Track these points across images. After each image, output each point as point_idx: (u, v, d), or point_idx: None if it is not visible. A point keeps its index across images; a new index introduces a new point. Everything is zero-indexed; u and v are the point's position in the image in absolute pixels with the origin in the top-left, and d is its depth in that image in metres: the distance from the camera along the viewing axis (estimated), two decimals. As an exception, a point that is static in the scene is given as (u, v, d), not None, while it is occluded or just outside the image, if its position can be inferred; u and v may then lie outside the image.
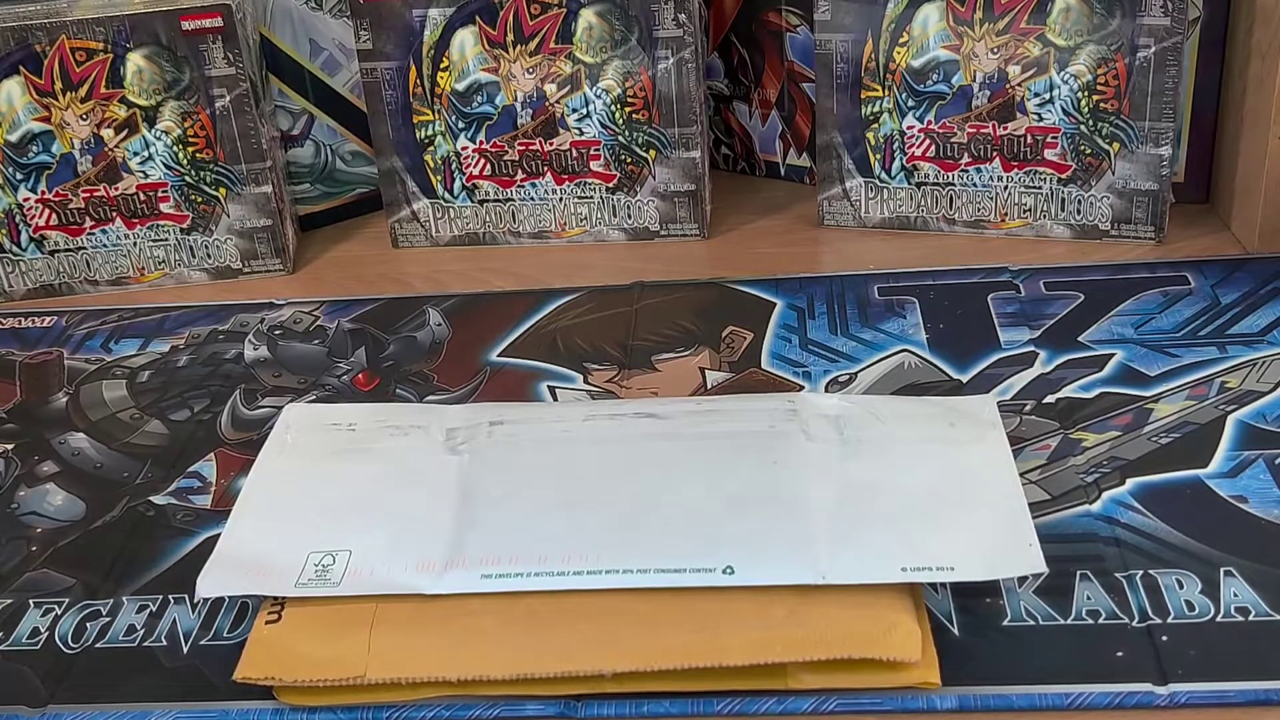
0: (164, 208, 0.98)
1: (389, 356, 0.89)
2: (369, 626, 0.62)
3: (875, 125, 0.97)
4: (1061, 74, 0.91)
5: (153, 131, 0.96)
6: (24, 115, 0.94)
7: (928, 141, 0.96)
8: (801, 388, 0.81)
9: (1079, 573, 0.64)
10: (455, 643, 0.61)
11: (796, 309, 0.90)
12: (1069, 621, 0.62)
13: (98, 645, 0.65)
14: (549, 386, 0.84)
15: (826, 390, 0.81)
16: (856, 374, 0.82)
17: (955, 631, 0.62)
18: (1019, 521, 0.64)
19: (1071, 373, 0.80)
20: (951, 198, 0.97)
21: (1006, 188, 0.96)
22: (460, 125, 0.99)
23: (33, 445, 0.82)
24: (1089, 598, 0.63)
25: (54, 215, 0.98)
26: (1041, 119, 0.93)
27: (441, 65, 0.97)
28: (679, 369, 0.85)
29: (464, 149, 1.00)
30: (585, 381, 0.84)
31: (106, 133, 0.95)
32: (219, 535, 0.68)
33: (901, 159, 0.97)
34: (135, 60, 0.94)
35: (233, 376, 0.88)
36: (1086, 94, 0.91)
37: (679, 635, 0.60)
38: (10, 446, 0.82)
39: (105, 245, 0.99)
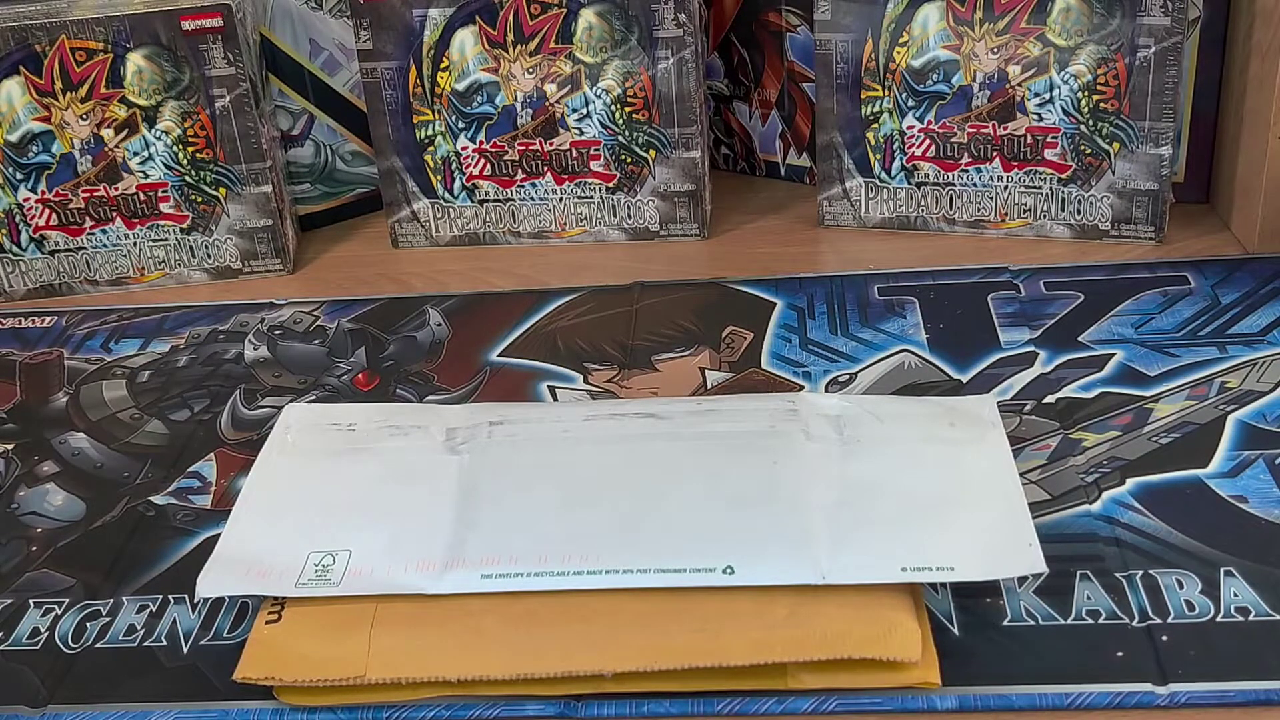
0: (164, 208, 0.98)
1: (389, 356, 0.89)
2: (369, 626, 0.62)
3: (875, 125, 0.97)
4: (1061, 74, 0.91)
5: (153, 131, 0.96)
6: (24, 115, 0.94)
7: (928, 141, 0.96)
8: (801, 388, 0.81)
9: (1079, 573, 0.64)
10: (455, 643, 0.61)
11: (796, 309, 0.90)
12: (1069, 621, 0.62)
13: (98, 645, 0.65)
14: (549, 386, 0.84)
15: (826, 390, 0.81)
16: (856, 374, 0.82)
17: (955, 631, 0.62)
18: (1019, 521, 0.64)
19: (1071, 373, 0.80)
20: (951, 198, 0.97)
21: (1006, 188, 0.96)
22: (460, 125, 0.99)
23: (33, 445, 0.82)
24: (1089, 598, 0.63)
25: (54, 215, 0.98)
26: (1041, 119, 0.93)
27: (441, 65, 0.97)
28: (679, 369, 0.85)
29: (464, 149, 1.00)
30: (585, 381, 0.84)
31: (106, 133, 0.95)
32: (219, 535, 0.68)
33: (901, 159, 0.97)
34: (135, 60, 0.94)
35: (233, 376, 0.88)
36: (1086, 94, 0.91)
37: (679, 635, 0.60)
38: (10, 446, 0.82)
39: (105, 245, 0.99)
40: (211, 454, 0.80)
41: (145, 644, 0.65)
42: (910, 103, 0.95)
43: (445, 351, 0.89)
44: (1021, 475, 0.69)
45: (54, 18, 0.92)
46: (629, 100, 0.97)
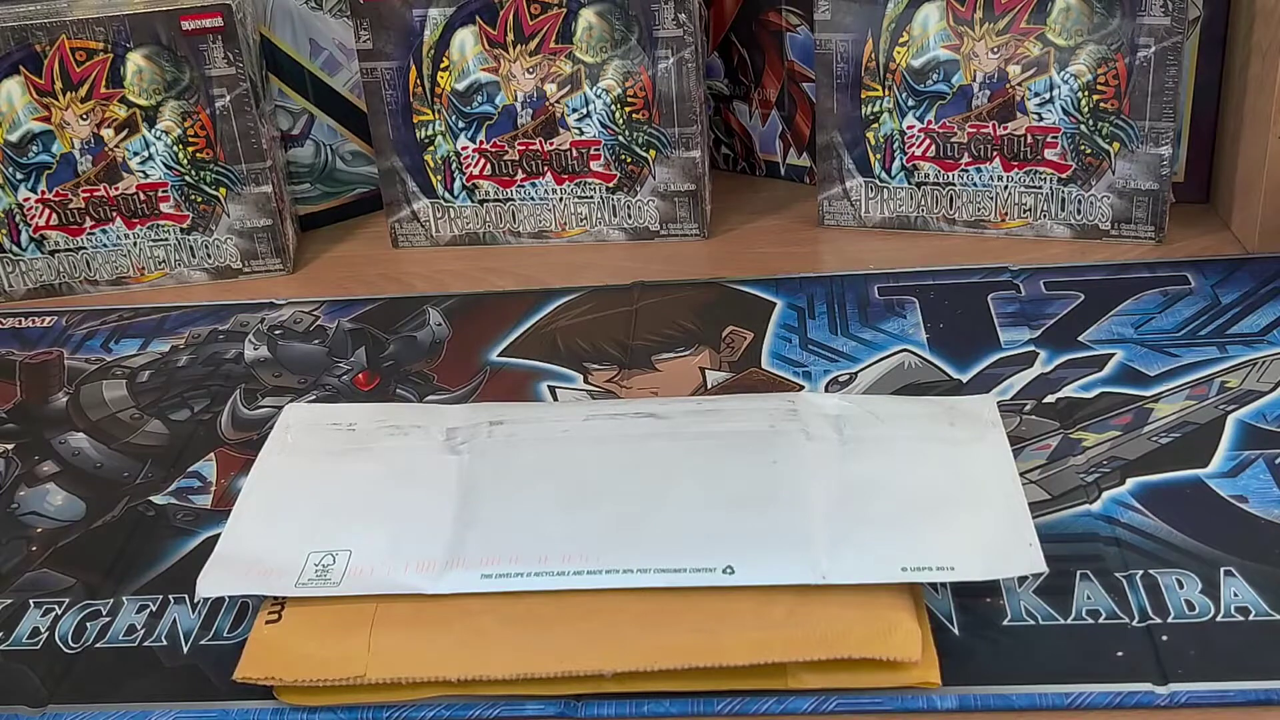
0: (164, 208, 0.98)
1: (389, 356, 0.89)
2: (369, 626, 0.62)
3: (875, 125, 0.97)
4: (1061, 74, 0.91)
5: (153, 131, 0.96)
6: (24, 115, 0.94)
7: (928, 141, 0.96)
8: (801, 388, 0.81)
9: (1079, 572, 0.64)
10: (455, 643, 0.61)
11: (796, 309, 0.90)
12: (1069, 621, 0.62)
13: (98, 645, 0.65)
14: (549, 386, 0.84)
15: (826, 390, 0.81)
16: (856, 374, 0.82)
17: (955, 631, 0.62)
18: (1019, 521, 0.64)
19: (1071, 372, 0.80)
20: (951, 197, 0.97)
21: (1006, 187, 0.96)
22: (460, 125, 0.99)
23: (33, 445, 0.82)
24: (1089, 597, 0.63)
25: (54, 215, 0.98)
26: (1041, 119, 0.93)
27: (441, 65, 0.97)
28: (679, 369, 0.85)
29: (464, 149, 1.00)
30: (585, 381, 0.84)
31: (106, 133, 0.95)
32: (219, 535, 0.68)
33: (901, 159, 0.97)
34: (135, 60, 0.94)
35: (233, 376, 0.88)
36: (1086, 94, 0.91)
37: (679, 635, 0.60)
38: (10, 446, 0.82)
39: (105, 245, 0.99)
40: (211, 454, 0.80)
41: (145, 644, 0.65)
42: (910, 102, 0.95)
43: (445, 351, 0.89)
44: (1021, 475, 0.69)
45: (54, 18, 0.92)
46: (629, 100, 0.97)
